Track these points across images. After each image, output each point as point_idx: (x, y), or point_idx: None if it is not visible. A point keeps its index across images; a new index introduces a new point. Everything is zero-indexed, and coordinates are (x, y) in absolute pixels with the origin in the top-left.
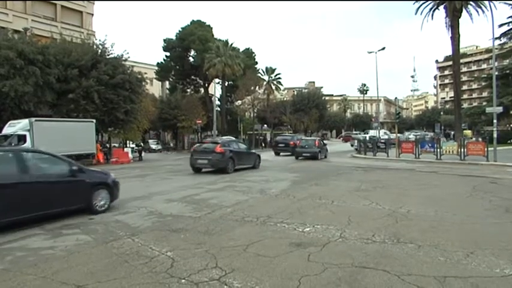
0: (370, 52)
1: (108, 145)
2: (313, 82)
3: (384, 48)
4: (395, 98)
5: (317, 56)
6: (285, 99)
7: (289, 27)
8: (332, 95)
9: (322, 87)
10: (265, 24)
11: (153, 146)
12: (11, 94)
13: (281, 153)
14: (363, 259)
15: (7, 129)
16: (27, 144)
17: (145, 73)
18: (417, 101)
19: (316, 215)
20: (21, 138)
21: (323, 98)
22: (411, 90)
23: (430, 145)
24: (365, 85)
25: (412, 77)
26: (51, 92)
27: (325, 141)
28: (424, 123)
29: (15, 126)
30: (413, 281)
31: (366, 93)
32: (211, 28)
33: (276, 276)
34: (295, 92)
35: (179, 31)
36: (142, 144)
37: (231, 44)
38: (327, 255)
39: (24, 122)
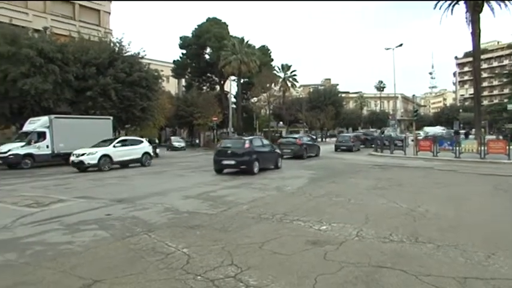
0: (388, 49)
1: None
2: (329, 79)
3: (401, 45)
4: (413, 95)
5: (333, 53)
6: (300, 96)
7: (305, 24)
8: (348, 92)
9: (338, 85)
10: (282, 22)
11: (176, 144)
12: (32, 92)
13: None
14: (380, 258)
15: (28, 126)
16: (47, 141)
17: (162, 70)
18: (435, 98)
19: (333, 213)
20: (41, 135)
21: (339, 95)
22: (429, 87)
23: (448, 143)
24: (382, 82)
25: (430, 73)
26: (70, 89)
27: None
28: (443, 121)
29: (36, 123)
30: (432, 282)
31: (383, 90)
32: (227, 25)
33: (292, 274)
34: (311, 89)
35: (195, 28)
36: (157, 141)
37: (247, 41)
38: (343, 254)
39: (43, 119)
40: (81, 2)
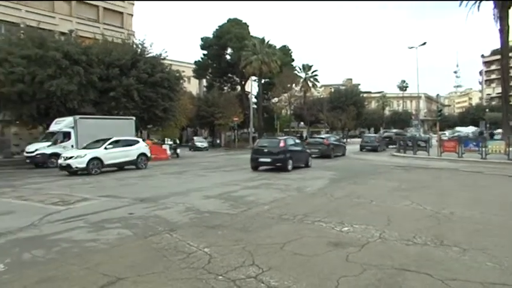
0: (411, 47)
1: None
2: (351, 79)
3: (425, 43)
4: (437, 94)
5: (355, 53)
6: (321, 96)
7: (326, 23)
8: (370, 92)
9: (359, 84)
10: (302, 21)
11: (199, 144)
12: (58, 93)
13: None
14: (404, 261)
15: (54, 127)
16: (72, 141)
17: (183, 71)
18: (460, 97)
19: (355, 215)
20: (66, 135)
21: (361, 95)
22: (454, 87)
23: (474, 144)
24: (404, 82)
25: (455, 72)
26: (94, 90)
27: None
28: (468, 121)
29: (61, 124)
30: (458, 287)
31: (406, 90)
32: (248, 26)
33: (314, 276)
34: (332, 89)
35: (216, 29)
36: (177, 141)
37: (268, 42)
38: (366, 256)
39: (69, 120)
40: (105, 5)
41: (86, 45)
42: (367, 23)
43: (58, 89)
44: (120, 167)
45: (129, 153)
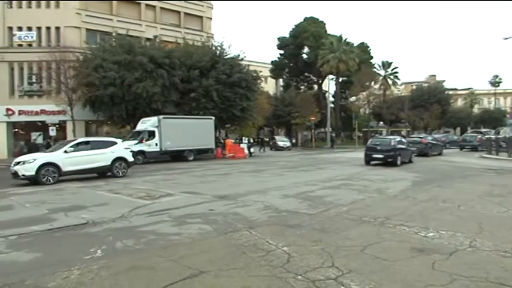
0: (506, 38)
1: (222, 141)
2: (434, 75)
3: None
4: None
5: (439, 47)
6: (402, 94)
7: (406, 17)
8: (456, 89)
9: (444, 81)
10: (381, 16)
11: (281, 143)
12: (143, 95)
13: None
14: (501, 274)
15: (140, 126)
16: (156, 139)
17: (260, 71)
18: None
19: (440, 220)
20: (151, 134)
21: (445, 92)
22: None
23: None
24: (497, 76)
25: None
26: (176, 91)
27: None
28: None
29: (146, 123)
30: None
31: (499, 85)
32: (325, 24)
33: (397, 282)
34: (414, 87)
35: (292, 29)
36: (252, 140)
37: (345, 39)
38: (454, 265)
39: (153, 120)
40: (186, 10)
41: (169, 49)
42: (451, 14)
43: (144, 91)
44: (95, 173)
45: (101, 158)
